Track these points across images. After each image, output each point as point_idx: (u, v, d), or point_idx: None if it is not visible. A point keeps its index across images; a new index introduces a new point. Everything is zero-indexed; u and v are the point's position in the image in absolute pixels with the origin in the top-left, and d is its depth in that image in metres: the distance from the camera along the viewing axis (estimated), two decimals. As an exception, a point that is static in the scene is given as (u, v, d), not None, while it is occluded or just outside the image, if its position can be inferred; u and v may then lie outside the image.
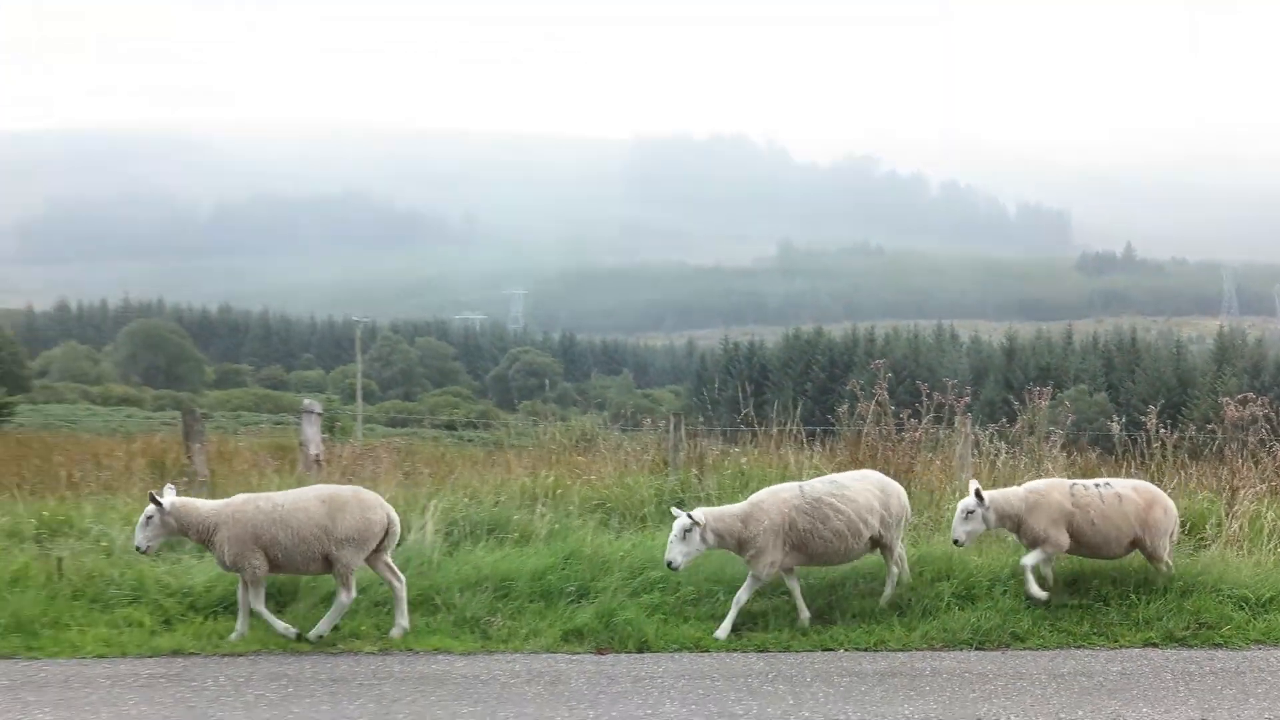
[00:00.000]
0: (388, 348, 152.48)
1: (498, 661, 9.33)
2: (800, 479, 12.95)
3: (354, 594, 9.82)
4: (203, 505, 9.85)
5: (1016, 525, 10.38)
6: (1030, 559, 10.30)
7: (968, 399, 14.29)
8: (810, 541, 10.05)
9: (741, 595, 10.02)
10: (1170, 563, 10.57)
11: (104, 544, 11.29)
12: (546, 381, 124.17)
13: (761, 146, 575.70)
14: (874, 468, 12.90)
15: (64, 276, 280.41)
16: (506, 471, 14.05)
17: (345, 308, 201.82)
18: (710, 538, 9.89)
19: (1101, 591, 10.58)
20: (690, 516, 9.80)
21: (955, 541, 10.37)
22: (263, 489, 12.08)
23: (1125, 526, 10.32)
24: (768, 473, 13.49)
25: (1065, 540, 10.30)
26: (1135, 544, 10.43)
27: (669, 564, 9.83)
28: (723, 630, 9.84)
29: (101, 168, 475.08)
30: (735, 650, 9.67)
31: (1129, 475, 12.68)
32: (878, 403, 13.93)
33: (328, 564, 9.74)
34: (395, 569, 10.06)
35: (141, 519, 9.70)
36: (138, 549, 9.81)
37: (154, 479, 13.91)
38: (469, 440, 32.00)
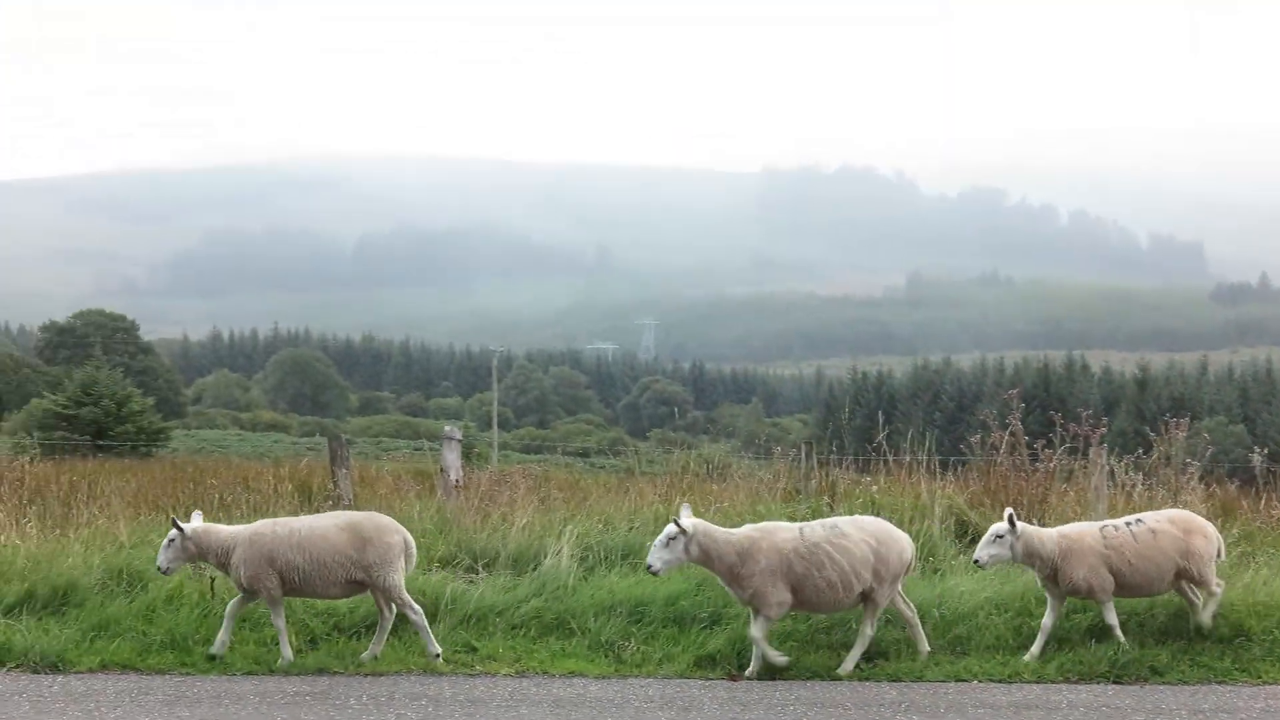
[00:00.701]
0: (523, 376, 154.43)
1: (631, 686, 9.47)
2: (932, 509, 12.95)
3: (418, 609, 10.06)
4: (222, 530, 10.25)
5: (1051, 570, 10.07)
6: (1110, 617, 10.12)
7: (1103, 429, 14.03)
8: (803, 588, 9.70)
9: (754, 632, 9.75)
10: (1219, 585, 10.25)
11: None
12: (677, 410, 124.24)
13: (890, 178, 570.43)
14: (1007, 499, 12.80)
15: (217, 307, 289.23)
16: (640, 498, 14.20)
17: (482, 337, 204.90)
18: (694, 551, 9.64)
19: (1244, 626, 10.34)
20: (679, 525, 9.63)
21: (976, 562, 10.21)
22: (404, 514, 12.45)
23: (1165, 561, 10.05)
24: (899, 502, 13.45)
25: (1110, 583, 10.03)
26: (1181, 575, 10.18)
27: (649, 567, 9.73)
28: (844, 666, 9.83)
29: (252, 203, 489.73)
30: (868, 679, 9.67)
31: (1269, 508, 12.38)
32: (1011, 433, 13.76)
33: (349, 588, 10.04)
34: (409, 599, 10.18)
35: (165, 542, 10.14)
36: (159, 569, 10.23)
37: (301, 503, 14.39)
38: (600, 467, 32.31)
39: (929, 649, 10.07)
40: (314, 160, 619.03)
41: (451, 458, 13.82)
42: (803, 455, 14.65)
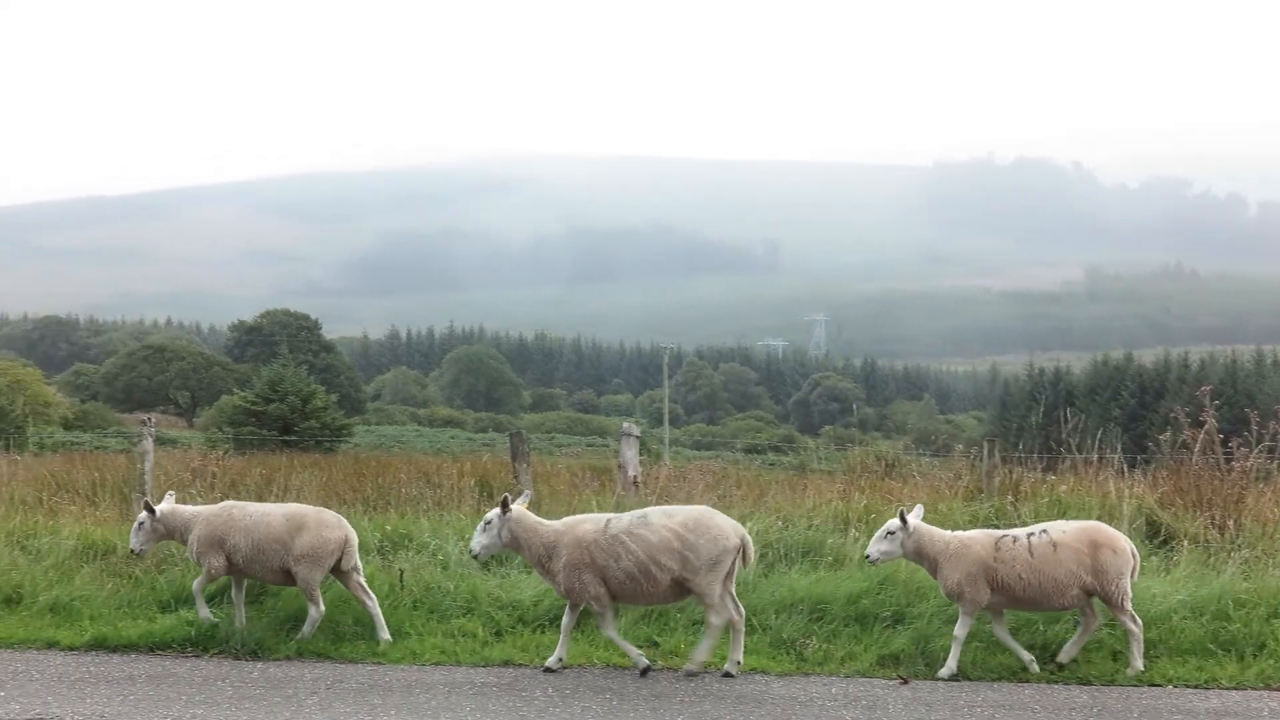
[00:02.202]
0: (693, 373, 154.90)
1: (814, 684, 9.43)
2: (1121, 509, 12.58)
3: (322, 609, 10.39)
4: (185, 510, 10.86)
5: (932, 569, 9.84)
6: (960, 629, 9.67)
7: (1304, 427, 13.43)
8: (608, 580, 9.54)
9: (607, 631, 9.78)
10: (1135, 620, 9.61)
11: (440, 557, 11.98)
12: (854, 406, 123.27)
13: (1067, 169, 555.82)
14: (1197, 498, 12.36)
15: (395, 306, 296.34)
16: (819, 495, 14.11)
17: (653, 334, 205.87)
18: (507, 536, 9.71)
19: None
20: (506, 506, 9.74)
21: (868, 557, 9.95)
22: (583, 509, 12.59)
23: (1064, 576, 9.46)
24: (1086, 501, 13.11)
25: (984, 596, 9.58)
26: (1090, 592, 9.55)
27: (470, 550, 9.88)
28: (694, 656, 9.65)
29: (430, 205, 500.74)
30: (1056, 682, 9.47)
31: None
32: (1205, 431, 13.27)
33: (288, 576, 10.40)
34: (366, 588, 10.52)
35: (135, 525, 10.78)
36: (132, 551, 10.90)
37: (482, 497, 14.68)
38: (772, 464, 32.20)
39: (739, 659, 9.63)
40: (490, 162, 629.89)
41: (630, 454, 13.92)
42: (984, 453, 14.34)
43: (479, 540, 9.81)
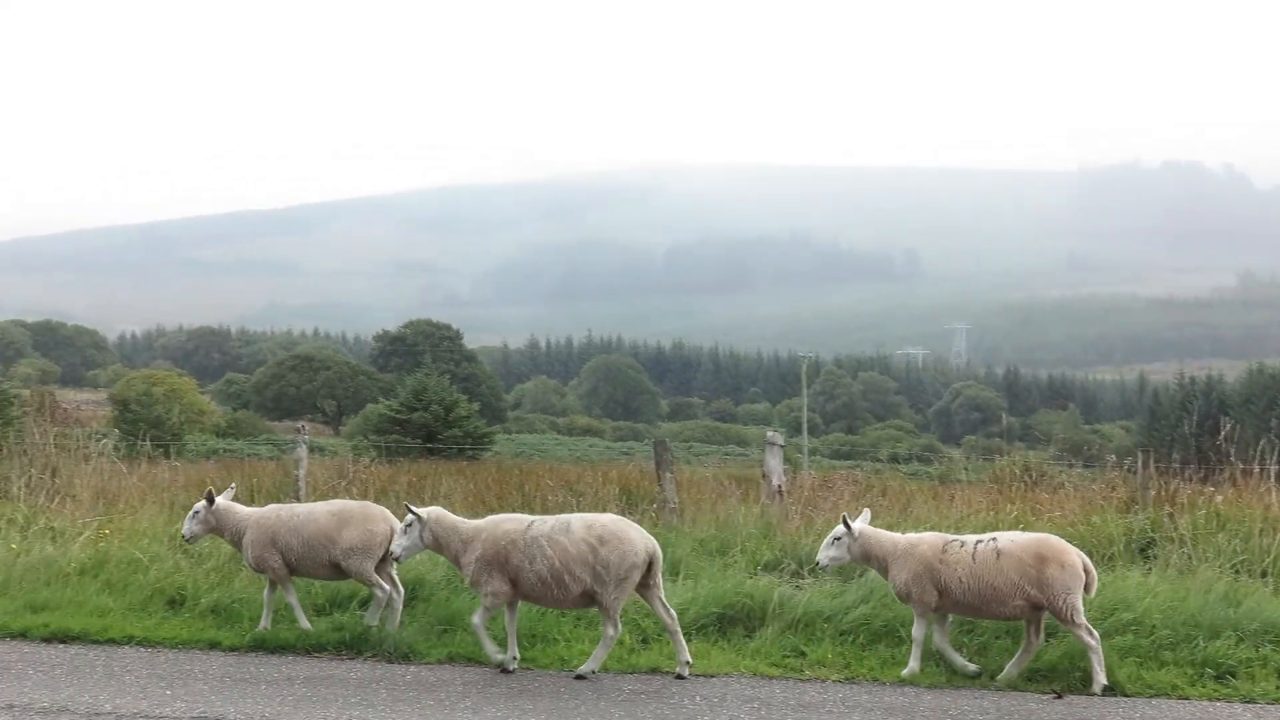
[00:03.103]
0: (831, 382, 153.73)
1: (964, 697, 9.29)
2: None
3: (387, 589, 10.72)
4: (240, 510, 11.16)
5: (883, 570, 10.03)
6: (917, 631, 9.79)
7: None
8: (519, 580, 9.70)
9: (474, 619, 9.91)
10: (1092, 633, 9.43)
11: (586, 564, 12.02)
12: (1002, 416, 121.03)
13: (1218, 171, 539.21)
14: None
15: (534, 316, 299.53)
16: (966, 506, 13.89)
17: (790, 344, 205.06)
18: (428, 537, 9.92)
19: None
20: (414, 512, 9.88)
21: (817, 563, 10.18)
22: (728, 518, 12.60)
23: (1005, 586, 9.42)
24: (1246, 514, 12.69)
25: (931, 598, 9.64)
26: (1036, 605, 9.45)
27: (392, 553, 10.13)
28: (586, 666, 9.75)
29: (567, 216, 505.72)
30: (1219, 699, 9.20)
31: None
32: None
33: (337, 570, 10.76)
34: (396, 580, 10.87)
35: (190, 513, 11.13)
36: (184, 537, 11.33)
37: (626, 505, 14.75)
38: (913, 474, 31.81)
39: (688, 659, 9.73)
40: (626, 172, 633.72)
41: (774, 463, 13.87)
42: (1139, 464, 13.97)
43: (400, 542, 10.01)
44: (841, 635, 10.53)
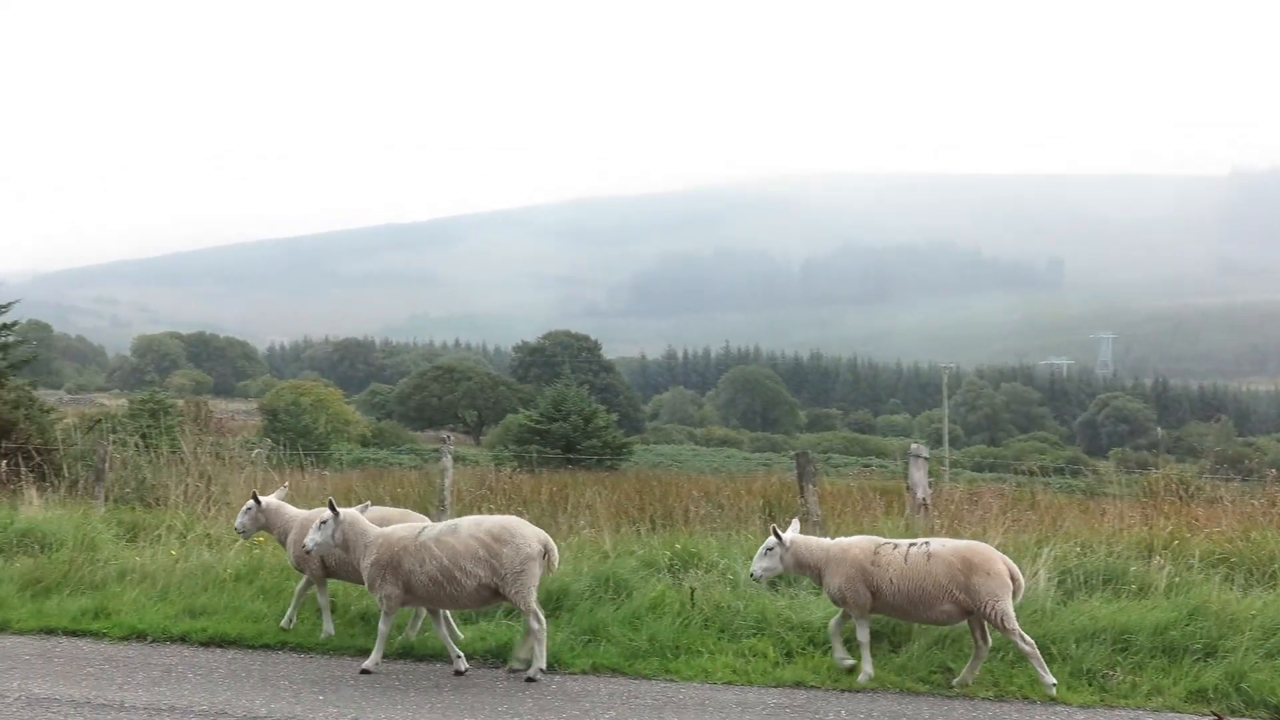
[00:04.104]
0: (973, 393, 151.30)
1: (1118, 716, 9.05)
2: None
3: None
4: (288, 510, 11.54)
5: (817, 576, 10.15)
6: (834, 621, 10.11)
7: None
8: (412, 583, 9.95)
9: (381, 625, 10.20)
10: (1026, 640, 9.52)
11: (729, 576, 12.01)
12: (1157, 429, 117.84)
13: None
14: None
15: (672, 327, 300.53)
16: (1119, 520, 13.54)
17: (930, 354, 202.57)
18: (339, 536, 10.19)
19: None
20: (334, 510, 10.20)
21: (751, 575, 10.31)
22: (872, 531, 12.44)
23: (933, 589, 9.53)
24: None
25: (865, 599, 9.80)
26: (966, 610, 9.54)
27: (305, 546, 10.32)
28: (533, 667, 9.94)
29: (704, 226, 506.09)
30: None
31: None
32: None
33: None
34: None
35: (244, 508, 11.54)
36: (237, 530, 11.74)
37: (767, 518, 14.68)
38: (1057, 487, 31.09)
39: (543, 666, 9.92)
40: (763, 182, 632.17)
41: (918, 475, 13.67)
42: (1304, 478, 13.50)
43: (313, 538, 10.29)
44: (990, 651, 10.31)
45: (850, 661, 9.99)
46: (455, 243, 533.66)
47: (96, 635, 11.37)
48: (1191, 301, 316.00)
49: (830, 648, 10.19)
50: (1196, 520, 13.63)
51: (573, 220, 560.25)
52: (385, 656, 10.47)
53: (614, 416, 70.15)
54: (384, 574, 10.02)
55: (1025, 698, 9.47)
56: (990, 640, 9.79)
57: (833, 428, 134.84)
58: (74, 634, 11.40)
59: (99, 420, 25.33)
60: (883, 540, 10.06)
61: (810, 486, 13.82)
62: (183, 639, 11.18)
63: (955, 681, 9.70)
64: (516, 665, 10.18)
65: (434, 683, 9.85)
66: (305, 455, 21.29)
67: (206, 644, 11.05)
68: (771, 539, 10.20)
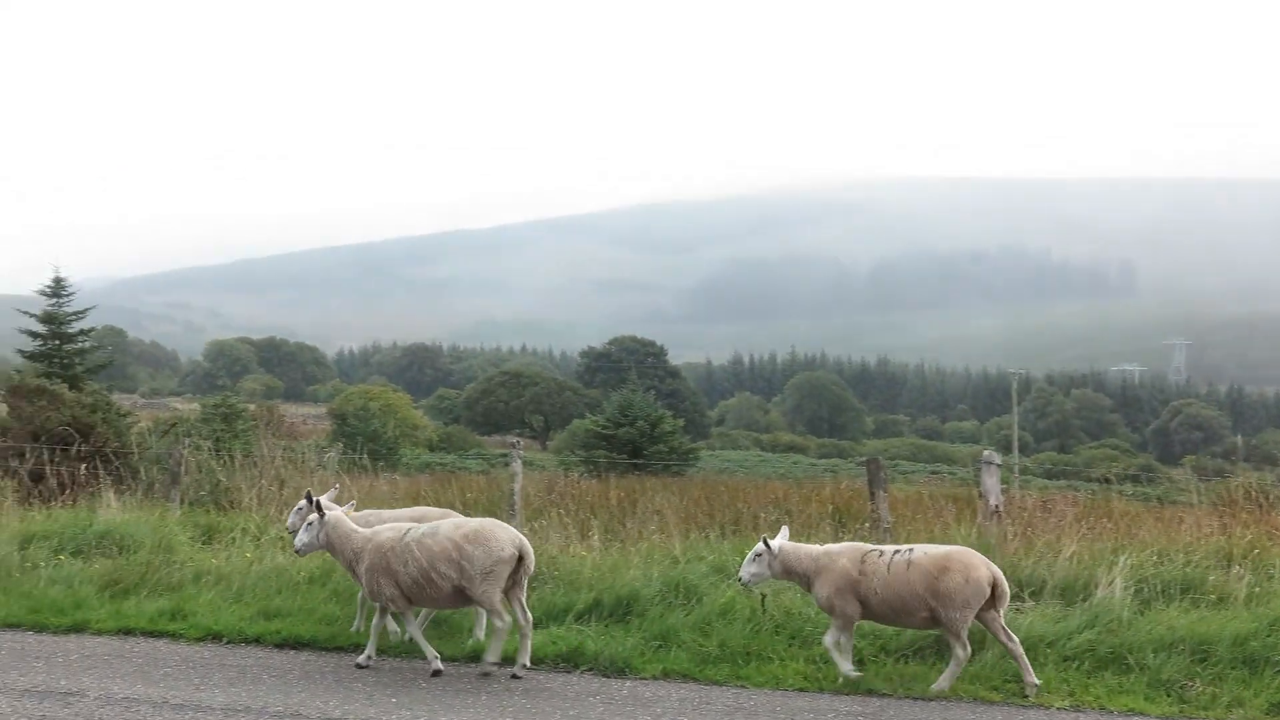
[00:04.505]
0: (1043, 399, 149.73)
1: (1201, 729, 8.90)
2: None
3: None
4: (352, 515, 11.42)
5: (807, 584, 10.18)
6: (829, 637, 9.99)
7: None
8: (400, 583, 10.20)
9: (374, 622, 10.57)
10: (964, 649, 9.58)
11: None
12: (1236, 436, 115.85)
13: None
14: None
15: (738, 332, 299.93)
16: (1196, 529, 13.33)
17: (1000, 360, 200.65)
18: (323, 539, 10.51)
19: None
20: (319, 509, 10.54)
21: (739, 580, 10.45)
22: (944, 538, 12.34)
23: (910, 596, 9.60)
24: None
25: (854, 609, 9.85)
26: (934, 615, 9.61)
27: (294, 546, 10.75)
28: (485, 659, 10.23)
29: (771, 231, 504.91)
30: None
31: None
32: None
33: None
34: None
35: (294, 510, 11.58)
36: (289, 529, 11.62)
37: (838, 525, 14.60)
38: (1129, 495, 30.67)
39: (526, 663, 10.14)
40: (829, 187, 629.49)
41: (991, 482, 13.53)
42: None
43: (300, 539, 10.62)
44: (1065, 660, 10.20)
45: (858, 674, 9.95)
46: (523, 249, 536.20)
47: (173, 636, 11.54)
48: (1269, 308, 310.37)
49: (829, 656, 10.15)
50: (1277, 529, 13.39)
51: (640, 226, 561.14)
52: (453, 659, 10.54)
53: (680, 422, 70.02)
54: (379, 578, 10.29)
55: (1102, 708, 9.35)
56: (1016, 639, 9.75)
57: (900, 434, 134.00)
58: (151, 634, 11.56)
59: (174, 424, 25.69)
60: (869, 548, 10.13)
61: (881, 493, 13.72)
62: (257, 640, 11.30)
63: (1026, 689, 9.56)
64: (488, 668, 10.23)
65: (504, 686, 9.88)
66: (375, 459, 21.44)
67: (281, 646, 11.17)
68: (760, 546, 10.30)
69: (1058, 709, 9.37)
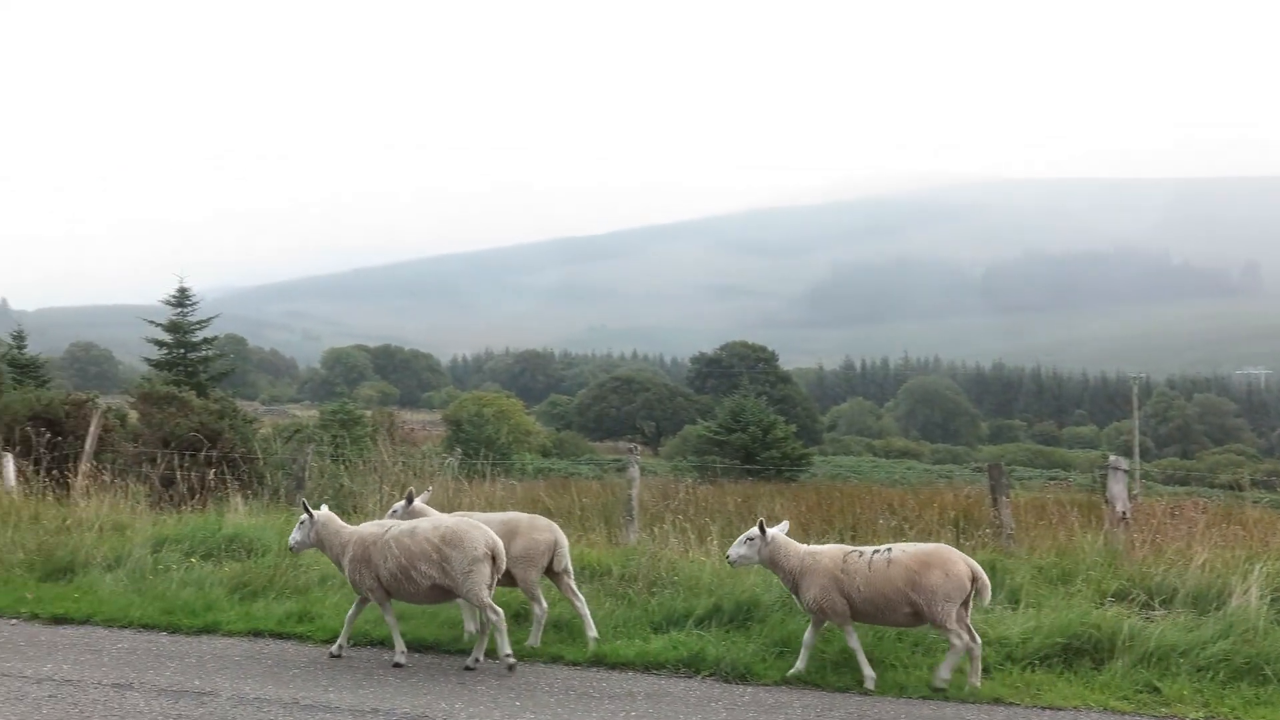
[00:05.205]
0: (1164, 404, 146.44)
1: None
2: None
3: (545, 606, 11.27)
4: (345, 526, 11.51)
5: (793, 584, 10.31)
6: (854, 643, 10.09)
7: None
8: (380, 576, 10.69)
9: (350, 612, 11.19)
10: (963, 639, 9.69)
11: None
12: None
13: None
14: None
15: (849, 337, 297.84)
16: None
17: (1119, 363, 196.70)
18: (313, 536, 11.12)
19: None
20: (308, 510, 11.18)
21: (728, 558, 10.67)
22: (1072, 544, 12.12)
23: (893, 593, 9.78)
24: None
25: (840, 607, 10.00)
26: (916, 611, 9.78)
27: (289, 545, 11.55)
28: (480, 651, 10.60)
29: (881, 235, 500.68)
30: None
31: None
32: None
33: (507, 578, 11.14)
34: (576, 590, 11.22)
35: (393, 509, 11.96)
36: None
37: (959, 531, 14.41)
38: (1255, 501, 29.86)
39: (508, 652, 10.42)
40: (939, 190, 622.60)
41: (1117, 488, 13.28)
42: None
43: (294, 536, 11.26)
44: (1199, 671, 9.95)
45: (802, 669, 10.19)
46: (633, 255, 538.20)
47: (301, 638, 11.76)
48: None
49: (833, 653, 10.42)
50: None
51: (749, 231, 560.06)
52: (575, 663, 10.61)
53: (792, 428, 69.71)
54: (360, 569, 10.81)
55: (1239, 718, 9.11)
56: (979, 640, 9.90)
57: (1016, 439, 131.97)
58: (280, 636, 11.80)
59: (298, 430, 26.24)
60: (849, 549, 10.31)
61: (1003, 499, 13.54)
62: (382, 643, 11.46)
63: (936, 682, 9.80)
64: (509, 661, 10.46)
65: (627, 690, 9.92)
66: (490, 465, 21.66)
67: (408, 647, 11.32)
68: (754, 530, 10.49)
69: (1193, 719, 9.15)
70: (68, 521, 16.00)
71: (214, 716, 9.01)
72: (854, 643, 10.10)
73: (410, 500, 11.89)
